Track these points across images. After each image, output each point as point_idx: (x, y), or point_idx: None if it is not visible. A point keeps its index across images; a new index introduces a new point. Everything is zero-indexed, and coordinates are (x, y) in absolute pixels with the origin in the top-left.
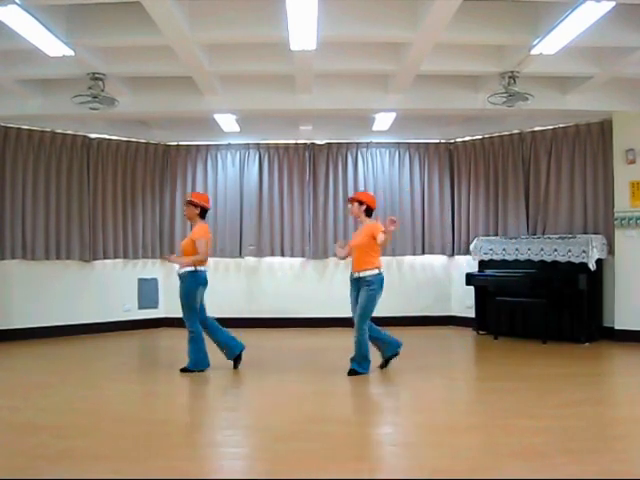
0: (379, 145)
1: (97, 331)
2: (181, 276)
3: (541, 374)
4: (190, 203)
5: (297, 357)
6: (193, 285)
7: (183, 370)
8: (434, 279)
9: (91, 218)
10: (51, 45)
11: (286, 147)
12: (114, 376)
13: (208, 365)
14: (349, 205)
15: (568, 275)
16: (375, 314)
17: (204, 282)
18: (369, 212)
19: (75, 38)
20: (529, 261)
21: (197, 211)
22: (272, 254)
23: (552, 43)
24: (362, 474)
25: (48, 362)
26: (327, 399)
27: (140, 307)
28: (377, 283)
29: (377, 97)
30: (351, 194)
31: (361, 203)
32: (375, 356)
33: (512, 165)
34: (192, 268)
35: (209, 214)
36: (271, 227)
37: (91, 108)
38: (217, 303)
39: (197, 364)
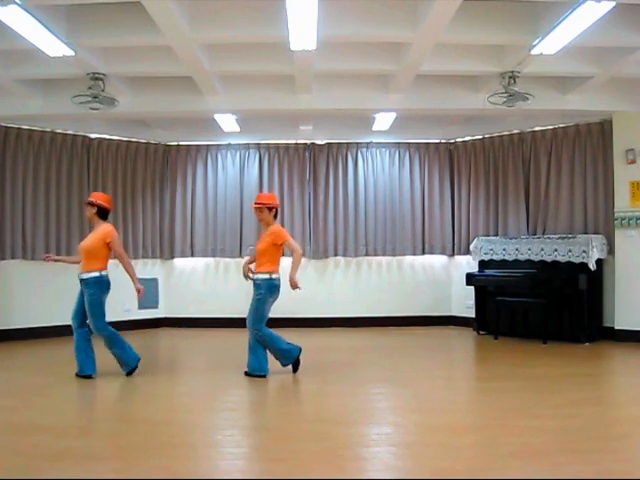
0: (379, 145)
1: None
2: (85, 281)
3: (541, 374)
4: (87, 203)
5: None
6: (97, 292)
7: (129, 373)
8: (434, 279)
9: None
10: (51, 45)
11: (286, 147)
12: (114, 376)
13: (137, 361)
14: (258, 212)
15: (568, 275)
16: (376, 314)
17: (107, 288)
18: (275, 214)
19: (75, 38)
20: (529, 261)
21: (94, 210)
22: None
23: (552, 43)
24: (362, 474)
25: (48, 362)
26: (327, 399)
27: (140, 307)
28: (265, 287)
29: (377, 97)
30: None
31: (270, 208)
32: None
33: (512, 165)
34: (97, 273)
35: (210, 213)
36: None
37: (91, 108)
38: (217, 303)
39: (129, 362)
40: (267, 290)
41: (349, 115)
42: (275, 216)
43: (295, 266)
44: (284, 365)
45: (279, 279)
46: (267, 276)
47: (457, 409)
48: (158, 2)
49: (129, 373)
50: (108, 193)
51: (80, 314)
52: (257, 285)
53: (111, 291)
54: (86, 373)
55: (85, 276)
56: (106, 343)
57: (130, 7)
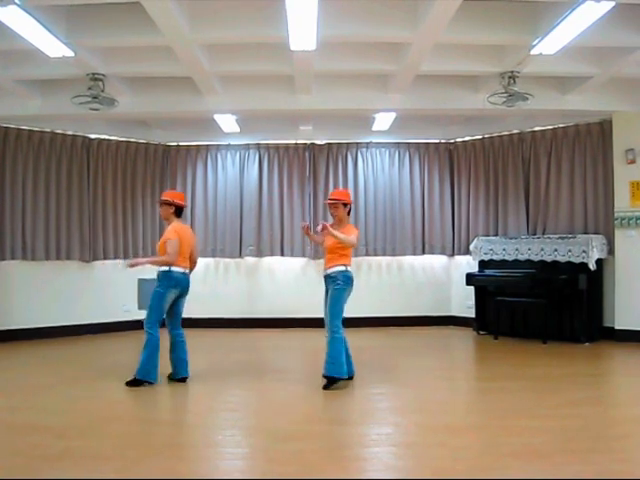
0: (379, 145)
1: (97, 331)
2: (157, 275)
3: (541, 374)
4: (164, 202)
5: (297, 357)
6: (163, 285)
7: (129, 383)
8: (434, 279)
9: (91, 218)
10: (51, 45)
11: (286, 147)
12: (114, 376)
13: (155, 379)
14: (334, 209)
15: (568, 275)
16: (376, 314)
17: (175, 284)
18: (349, 211)
19: (75, 38)
20: (529, 261)
21: (172, 210)
22: (272, 254)
23: (552, 43)
24: (362, 474)
25: (48, 362)
26: (327, 399)
27: (140, 307)
28: (342, 279)
29: (377, 97)
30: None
31: (346, 204)
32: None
33: (512, 165)
34: (166, 268)
35: (210, 213)
36: (271, 227)
37: (91, 108)
38: (217, 303)
39: (146, 374)
40: (344, 282)
41: (349, 115)
42: (348, 213)
43: (336, 234)
44: (326, 375)
45: (352, 272)
46: (343, 268)
47: (457, 409)
48: (158, 2)
49: (128, 383)
50: (109, 193)
51: (169, 317)
52: (332, 278)
53: (111, 291)
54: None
55: (158, 270)
56: (145, 340)
57: (130, 7)
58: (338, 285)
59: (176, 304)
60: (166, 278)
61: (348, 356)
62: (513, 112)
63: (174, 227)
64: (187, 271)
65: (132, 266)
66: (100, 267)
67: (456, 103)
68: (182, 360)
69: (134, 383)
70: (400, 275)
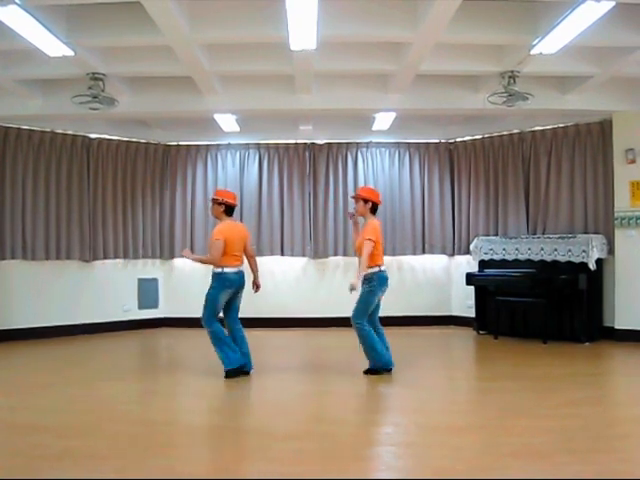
0: (379, 145)
1: (97, 331)
2: (212, 275)
3: (541, 374)
4: (214, 201)
5: (297, 357)
6: (216, 287)
7: (227, 376)
8: (434, 279)
9: (91, 218)
10: (51, 45)
11: (286, 147)
12: (114, 376)
13: (243, 363)
14: (355, 204)
15: (568, 275)
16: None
17: (229, 285)
18: (375, 209)
19: (75, 38)
20: (529, 261)
21: (222, 209)
22: (272, 254)
23: (552, 43)
24: (362, 474)
25: (48, 362)
26: (327, 399)
27: (140, 307)
28: (376, 280)
29: (377, 97)
30: (355, 190)
31: (366, 201)
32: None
33: (512, 165)
34: (219, 269)
35: (210, 212)
36: (271, 227)
37: (91, 108)
38: None
39: (231, 362)
40: (379, 282)
41: (349, 115)
42: (373, 211)
43: (361, 265)
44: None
45: (386, 270)
46: (377, 269)
47: (457, 409)
48: (158, 2)
49: (226, 376)
50: (109, 193)
51: (228, 312)
52: (368, 279)
53: (111, 291)
54: (234, 366)
55: (212, 271)
56: (210, 338)
57: (130, 7)
58: (372, 287)
59: (233, 299)
60: (219, 279)
61: (387, 348)
62: (513, 112)
63: (220, 227)
64: (239, 269)
65: (184, 256)
66: (100, 267)
67: (456, 103)
68: (244, 354)
69: (231, 375)
70: (400, 275)
